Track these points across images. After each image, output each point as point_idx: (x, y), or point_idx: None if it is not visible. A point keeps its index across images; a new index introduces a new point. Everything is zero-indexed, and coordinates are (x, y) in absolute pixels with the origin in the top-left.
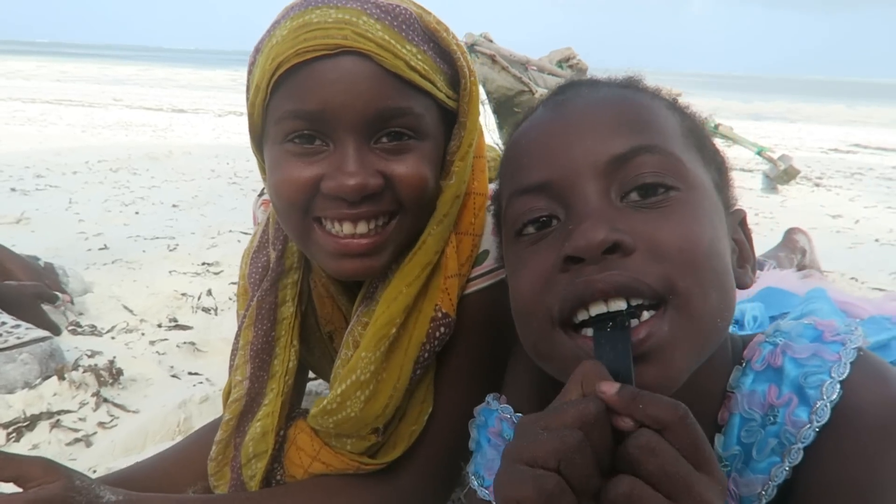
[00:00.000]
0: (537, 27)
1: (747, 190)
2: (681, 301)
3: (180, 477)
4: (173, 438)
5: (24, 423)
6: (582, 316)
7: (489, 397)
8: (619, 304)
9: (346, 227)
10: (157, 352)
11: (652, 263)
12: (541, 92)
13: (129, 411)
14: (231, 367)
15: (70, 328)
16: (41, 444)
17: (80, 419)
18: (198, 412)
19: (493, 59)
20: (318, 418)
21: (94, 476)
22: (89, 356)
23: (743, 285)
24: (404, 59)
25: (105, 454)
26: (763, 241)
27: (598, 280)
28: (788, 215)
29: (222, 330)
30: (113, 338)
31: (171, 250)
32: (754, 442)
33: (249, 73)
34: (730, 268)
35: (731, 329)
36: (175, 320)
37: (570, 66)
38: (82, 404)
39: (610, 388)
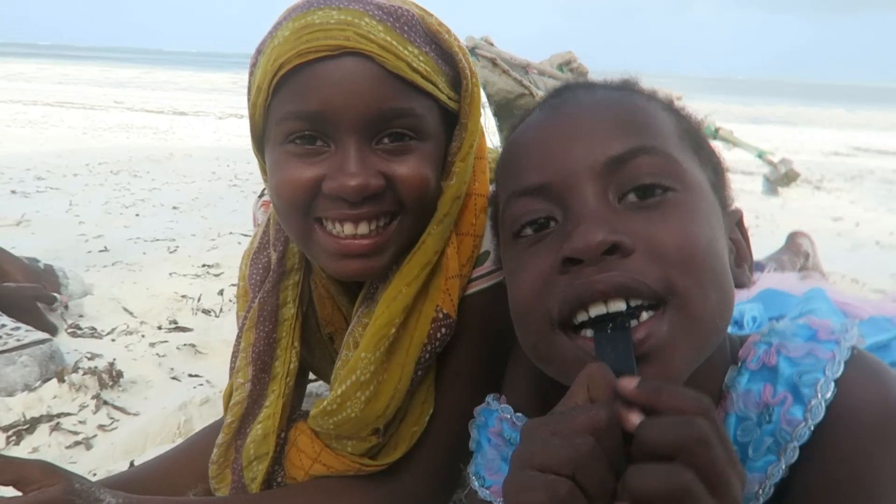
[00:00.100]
0: (537, 30)
1: (748, 193)
2: (680, 301)
3: (181, 479)
4: (173, 441)
5: (24, 426)
6: (581, 317)
7: (489, 397)
8: (619, 305)
9: (348, 228)
10: (157, 354)
11: (651, 264)
12: (541, 95)
13: (129, 414)
14: (232, 369)
15: (70, 330)
16: (41, 446)
17: (80, 422)
18: (198, 414)
19: (493, 62)
20: (319, 419)
21: (94, 479)
22: (89, 358)
23: (741, 285)
24: (406, 60)
25: (105, 457)
26: (764, 243)
27: (597, 281)
28: (789, 218)
29: (223, 332)
30: (113, 340)
31: (171, 252)
32: (750, 441)
33: (251, 73)
34: (728, 268)
35: (729, 329)
36: (175, 322)
37: (571, 70)
38: (82, 407)
39: (629, 382)
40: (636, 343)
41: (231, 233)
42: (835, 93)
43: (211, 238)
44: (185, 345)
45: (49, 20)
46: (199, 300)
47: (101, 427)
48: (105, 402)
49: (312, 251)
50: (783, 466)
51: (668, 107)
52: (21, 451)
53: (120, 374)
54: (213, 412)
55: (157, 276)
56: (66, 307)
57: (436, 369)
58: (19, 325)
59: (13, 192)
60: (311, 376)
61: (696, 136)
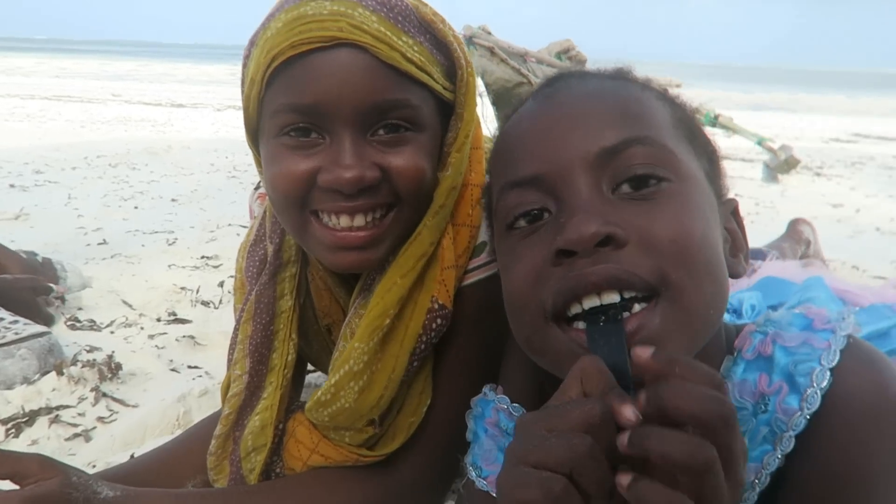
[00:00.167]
0: (535, 18)
1: (748, 180)
2: (673, 293)
3: (179, 471)
4: (173, 432)
5: (23, 419)
6: (575, 309)
7: (486, 388)
8: (613, 297)
9: (344, 220)
10: (156, 346)
11: (644, 256)
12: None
13: (128, 406)
14: (230, 361)
15: (69, 323)
16: (40, 439)
17: (80, 414)
18: (197, 406)
19: (491, 51)
20: (314, 411)
21: (93, 471)
22: (88, 351)
23: (736, 275)
24: (400, 50)
25: (105, 449)
26: (764, 230)
27: (590, 273)
28: (789, 205)
29: (221, 323)
30: (112, 332)
31: (170, 244)
32: (746, 431)
33: (244, 66)
34: (723, 258)
35: (728, 318)
36: (174, 314)
37: (570, 58)
38: (81, 399)
39: (643, 351)
40: (628, 335)
41: (230, 224)
42: (835, 79)
43: (210, 230)
44: (184, 336)
45: (46, 14)
46: (197, 292)
47: (100, 419)
48: (104, 395)
49: (309, 244)
50: (779, 456)
51: (663, 96)
52: (20, 443)
53: (119, 367)
54: (212, 404)
55: (155, 269)
56: (64, 299)
57: (433, 360)
58: (17, 318)
59: (12, 185)
60: (310, 367)
61: (690, 126)
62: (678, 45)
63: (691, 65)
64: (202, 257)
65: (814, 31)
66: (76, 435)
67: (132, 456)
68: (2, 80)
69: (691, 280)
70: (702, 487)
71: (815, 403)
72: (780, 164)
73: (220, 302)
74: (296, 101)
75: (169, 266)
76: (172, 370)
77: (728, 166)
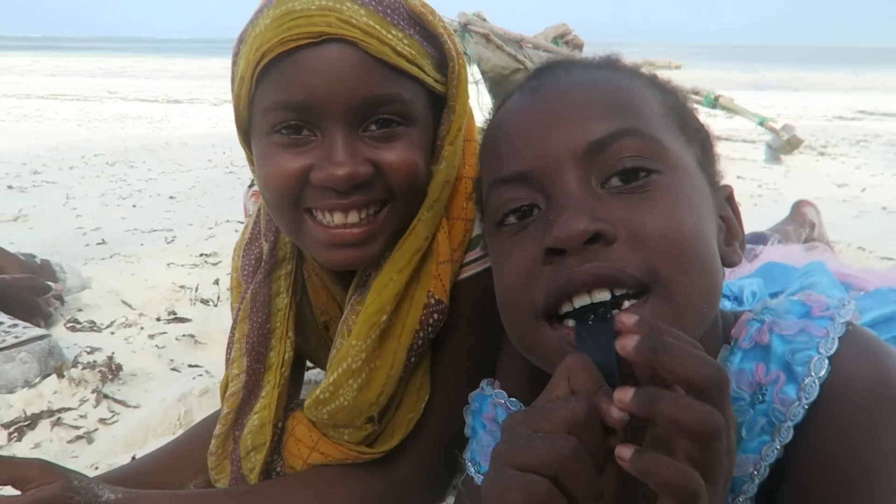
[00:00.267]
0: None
1: (750, 161)
2: (663, 288)
3: (181, 471)
4: (174, 432)
5: (26, 423)
6: (567, 308)
7: (483, 382)
8: (603, 295)
9: (338, 218)
10: (156, 345)
11: (634, 252)
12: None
13: (129, 406)
14: (227, 360)
15: (69, 325)
16: (43, 442)
17: (81, 416)
18: (198, 405)
19: (487, 37)
20: (313, 409)
21: (96, 472)
22: (88, 353)
23: (731, 264)
24: (390, 44)
25: (107, 450)
26: (767, 213)
27: (580, 272)
28: (793, 186)
29: (221, 321)
30: (112, 333)
31: (168, 243)
32: (744, 422)
33: (234, 63)
34: (716, 250)
35: (729, 305)
36: (174, 313)
37: (566, 43)
38: (83, 401)
39: (616, 410)
40: (616, 332)
41: (228, 221)
42: (839, 55)
43: (208, 227)
44: (184, 335)
45: (40, 11)
46: (196, 290)
47: (101, 421)
48: (105, 396)
49: (304, 242)
50: (778, 447)
51: (653, 83)
52: (23, 447)
53: (119, 367)
54: (213, 402)
55: (155, 268)
56: (62, 299)
57: (431, 356)
58: (17, 321)
59: (10, 187)
60: (309, 364)
61: (681, 112)
62: (678, 25)
63: (691, 45)
64: (201, 255)
65: (817, 6)
66: (78, 437)
67: (134, 457)
68: None
69: (682, 275)
70: (706, 455)
71: (813, 393)
72: (783, 145)
73: (220, 300)
74: (286, 99)
75: (168, 265)
76: (173, 370)
77: (730, 148)
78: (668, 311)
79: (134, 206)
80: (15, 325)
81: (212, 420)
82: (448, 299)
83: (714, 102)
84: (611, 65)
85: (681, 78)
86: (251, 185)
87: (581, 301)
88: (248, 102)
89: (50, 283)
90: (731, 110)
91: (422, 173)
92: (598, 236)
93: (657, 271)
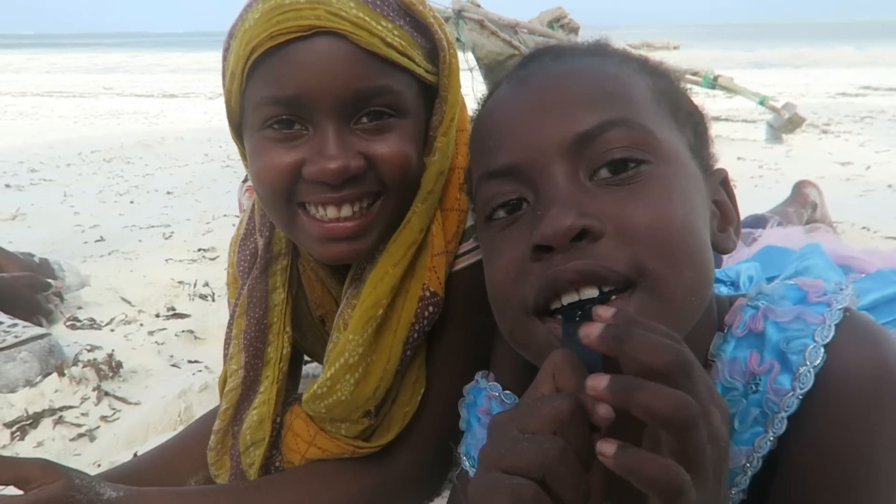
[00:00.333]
0: None
1: (751, 142)
2: (650, 283)
3: (181, 468)
4: (175, 428)
5: (28, 422)
6: (556, 304)
7: (478, 375)
8: (592, 292)
9: (331, 212)
10: (156, 342)
11: (621, 247)
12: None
13: (130, 403)
14: (225, 356)
15: (69, 323)
16: (45, 441)
17: (83, 414)
18: (198, 401)
19: (481, 24)
20: (310, 403)
21: (99, 470)
22: (89, 350)
23: (725, 250)
24: (380, 35)
25: (109, 448)
26: (768, 194)
27: (567, 270)
28: (794, 165)
29: (220, 316)
30: (112, 330)
31: (166, 238)
32: (736, 412)
33: (224, 59)
34: (707, 241)
35: (726, 291)
36: (173, 309)
37: (562, 26)
38: (84, 399)
39: (602, 409)
40: None
41: (225, 215)
42: (842, 31)
43: (206, 221)
44: (183, 331)
45: (33, 9)
46: (195, 286)
47: (103, 418)
48: (106, 394)
49: (297, 236)
50: (771, 438)
51: (643, 67)
52: (26, 446)
53: (120, 365)
54: (213, 398)
55: (153, 264)
56: (62, 296)
57: (426, 348)
58: (16, 321)
59: (7, 185)
60: (306, 358)
61: (673, 96)
62: (676, 5)
63: (690, 24)
64: (199, 250)
65: None
66: (80, 435)
67: (135, 454)
68: None
69: (670, 268)
70: (685, 445)
71: (808, 383)
72: (784, 124)
73: (218, 295)
74: (277, 94)
75: (166, 260)
76: (173, 366)
77: (729, 128)
78: (653, 304)
79: (131, 202)
80: (15, 325)
81: (211, 416)
82: (443, 291)
83: (713, 82)
84: (600, 51)
85: (679, 58)
86: (245, 181)
87: (569, 298)
88: (240, 98)
89: (49, 280)
90: (730, 90)
91: (414, 165)
92: (585, 232)
93: (644, 266)
